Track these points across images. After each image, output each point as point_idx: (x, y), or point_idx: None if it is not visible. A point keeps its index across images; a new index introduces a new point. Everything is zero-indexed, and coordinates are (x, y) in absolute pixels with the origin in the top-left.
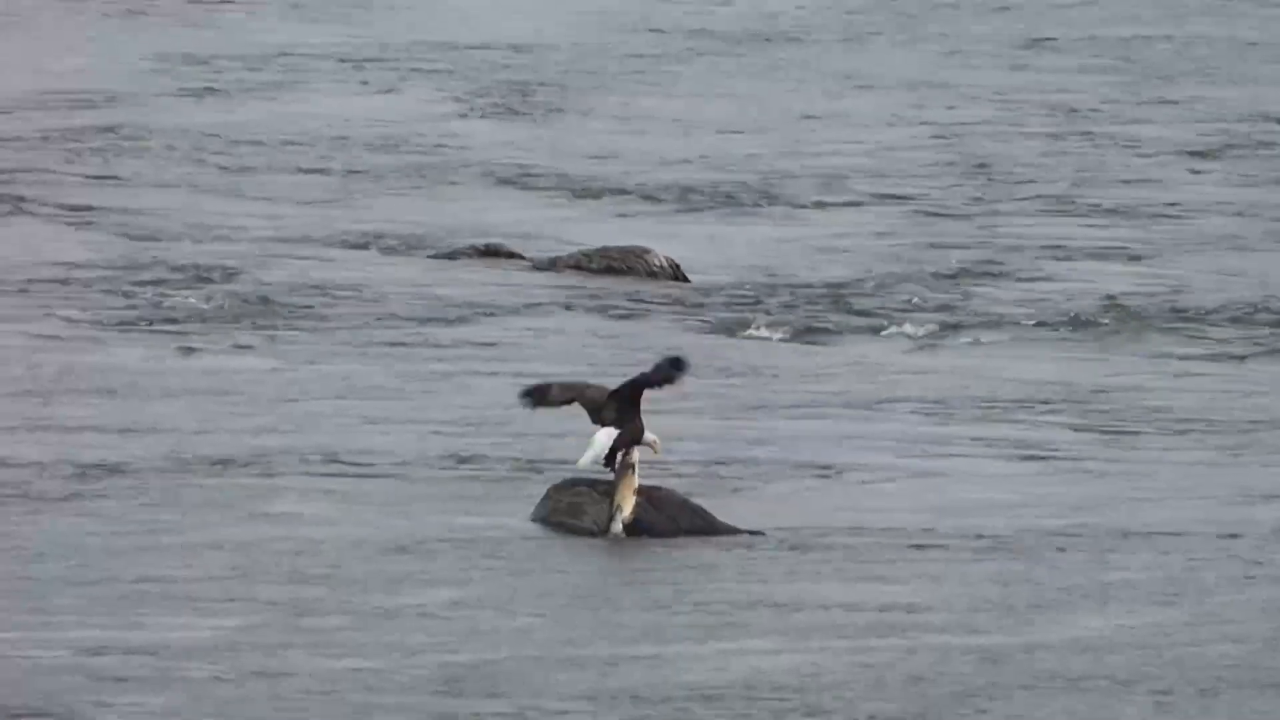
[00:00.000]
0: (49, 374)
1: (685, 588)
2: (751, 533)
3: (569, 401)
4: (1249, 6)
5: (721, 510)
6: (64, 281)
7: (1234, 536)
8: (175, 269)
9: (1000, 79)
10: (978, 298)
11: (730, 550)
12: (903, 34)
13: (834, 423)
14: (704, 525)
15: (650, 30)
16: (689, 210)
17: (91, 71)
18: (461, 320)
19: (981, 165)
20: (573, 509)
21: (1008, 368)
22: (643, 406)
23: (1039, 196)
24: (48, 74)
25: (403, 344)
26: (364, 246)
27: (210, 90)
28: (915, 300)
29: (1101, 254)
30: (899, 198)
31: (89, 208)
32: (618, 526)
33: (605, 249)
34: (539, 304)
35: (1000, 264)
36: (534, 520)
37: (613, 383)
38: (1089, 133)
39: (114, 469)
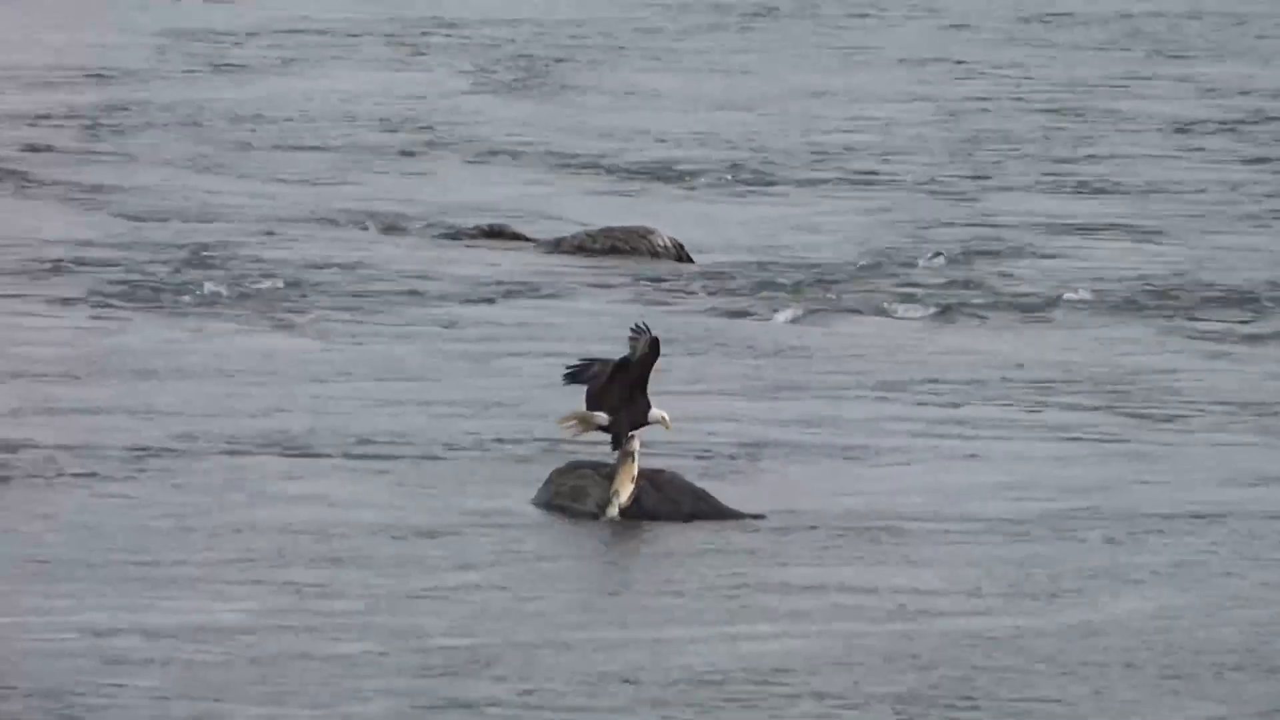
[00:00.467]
0: (63, 355)
1: (687, 571)
2: (754, 516)
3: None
4: None
5: (727, 493)
6: (73, 261)
7: (1254, 518)
8: (179, 248)
9: (1010, 54)
10: (986, 277)
11: (733, 534)
12: (912, 7)
13: (845, 405)
14: (706, 509)
15: (658, 4)
16: (691, 189)
17: (99, 47)
18: (468, 302)
19: (987, 141)
20: (575, 493)
21: (1020, 348)
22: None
23: (1046, 174)
24: (53, 49)
25: (409, 326)
26: (366, 226)
27: (217, 67)
28: (923, 280)
29: (1112, 233)
30: (904, 175)
31: (97, 186)
32: (614, 511)
33: (609, 229)
34: (546, 286)
35: (1008, 242)
36: (536, 504)
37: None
38: (1096, 109)
39: (130, 451)
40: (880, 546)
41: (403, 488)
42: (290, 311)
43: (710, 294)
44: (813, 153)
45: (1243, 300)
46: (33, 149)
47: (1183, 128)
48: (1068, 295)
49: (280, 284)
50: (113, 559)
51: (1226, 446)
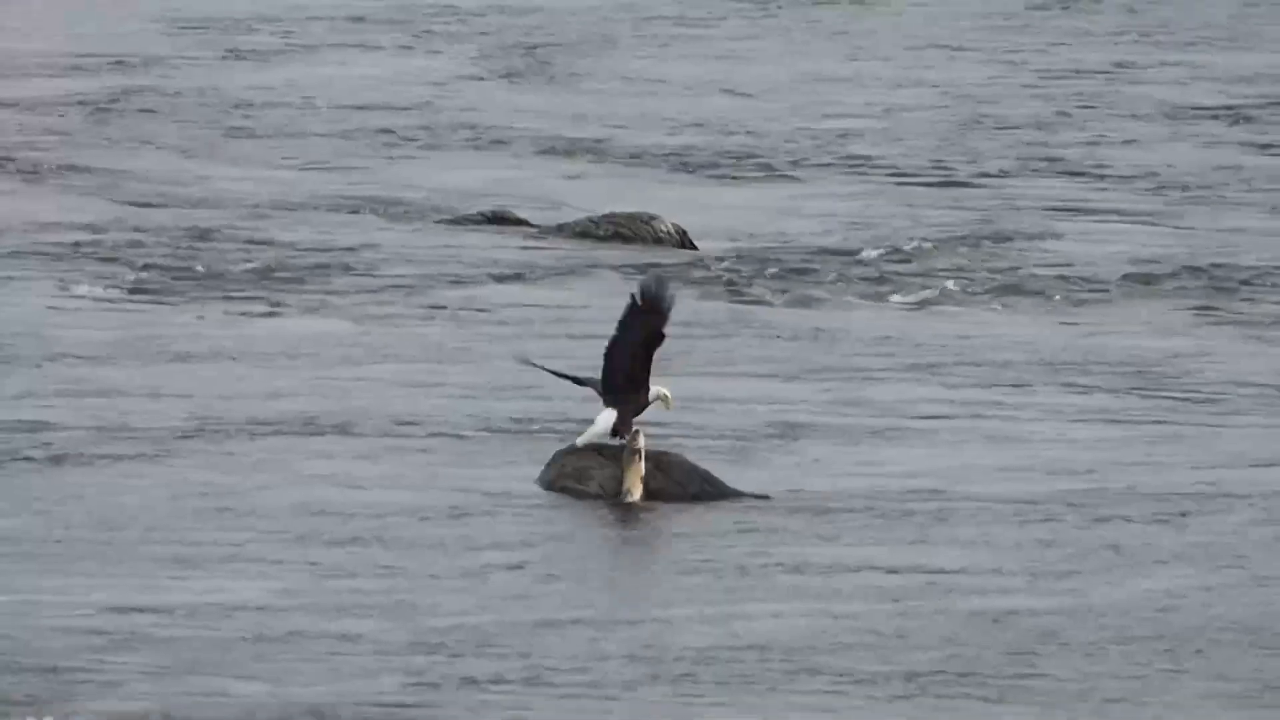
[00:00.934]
0: (84, 338)
1: (693, 552)
2: (758, 496)
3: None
4: None
5: (741, 474)
6: (85, 244)
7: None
8: (184, 232)
9: (1016, 40)
10: (998, 261)
11: (738, 514)
12: None
13: (863, 388)
14: (711, 490)
15: None
16: (693, 175)
17: (106, 34)
18: (472, 286)
19: (994, 126)
20: (579, 474)
21: (1041, 332)
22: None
23: (1052, 159)
24: (62, 36)
25: (413, 310)
26: (367, 212)
27: (223, 53)
28: (931, 264)
29: (1129, 217)
30: (909, 161)
31: (107, 171)
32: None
33: (611, 215)
34: (548, 271)
35: (1017, 228)
36: (540, 484)
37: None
38: (1105, 94)
39: (150, 432)
40: (894, 527)
41: (407, 470)
42: (287, 296)
43: (715, 279)
44: (818, 138)
45: (1267, 283)
46: (49, 133)
47: (1192, 111)
48: (1087, 279)
49: (272, 270)
50: (131, 539)
51: (1256, 429)
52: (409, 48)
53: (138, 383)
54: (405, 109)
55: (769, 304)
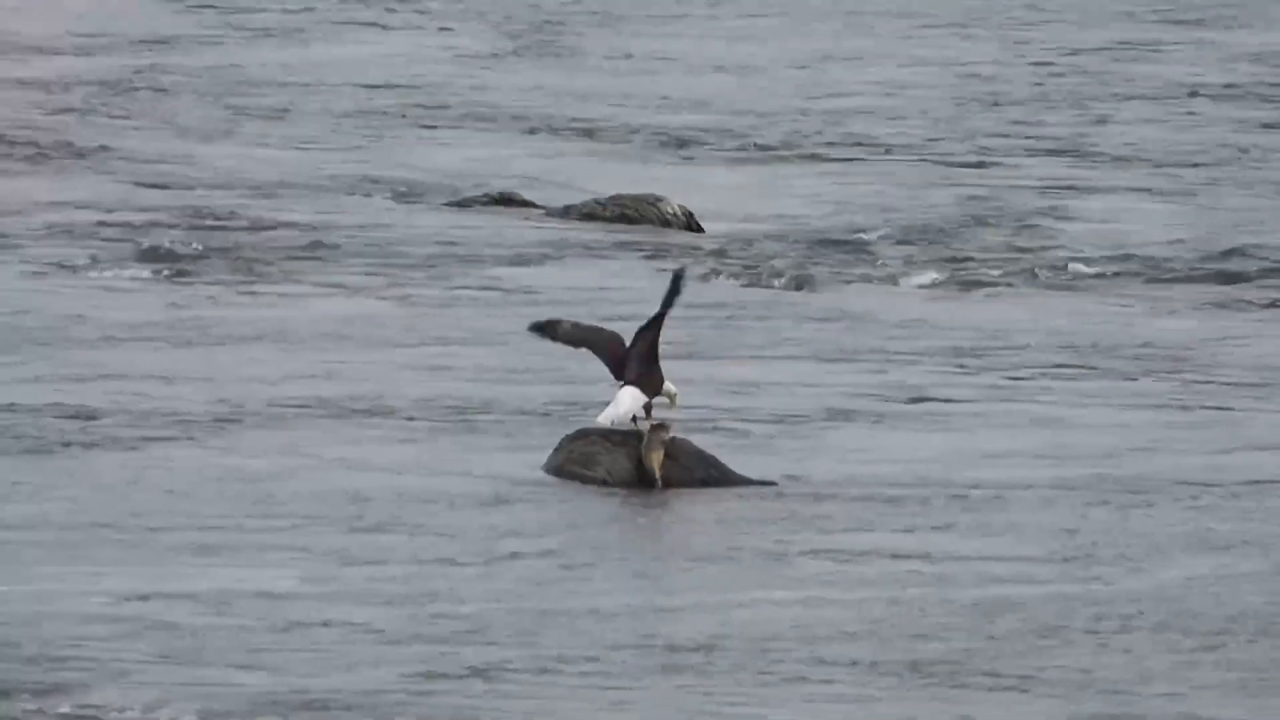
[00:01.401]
0: (108, 321)
1: (702, 538)
2: (764, 483)
3: (580, 343)
4: None
5: (742, 461)
6: (96, 226)
7: None
8: (194, 213)
9: (1021, 17)
10: (1014, 243)
11: (745, 500)
12: None
13: (886, 372)
14: (718, 476)
15: None
16: (699, 156)
17: (113, 14)
18: (480, 268)
19: (999, 107)
20: (585, 459)
21: (1062, 317)
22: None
23: (1059, 138)
24: (74, 15)
25: (424, 292)
26: (373, 193)
27: (230, 33)
28: (939, 248)
29: (1142, 198)
30: (915, 141)
31: (115, 152)
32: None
33: (618, 197)
34: (556, 253)
35: (1032, 208)
36: (547, 470)
37: (629, 329)
38: (1119, 73)
39: (166, 417)
40: (898, 515)
41: (415, 454)
42: (290, 277)
43: (721, 263)
44: (823, 119)
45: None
46: (67, 111)
47: (1203, 93)
48: (1105, 260)
49: (281, 251)
50: (150, 525)
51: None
52: (420, 28)
53: (156, 366)
54: (411, 88)
55: (778, 288)
